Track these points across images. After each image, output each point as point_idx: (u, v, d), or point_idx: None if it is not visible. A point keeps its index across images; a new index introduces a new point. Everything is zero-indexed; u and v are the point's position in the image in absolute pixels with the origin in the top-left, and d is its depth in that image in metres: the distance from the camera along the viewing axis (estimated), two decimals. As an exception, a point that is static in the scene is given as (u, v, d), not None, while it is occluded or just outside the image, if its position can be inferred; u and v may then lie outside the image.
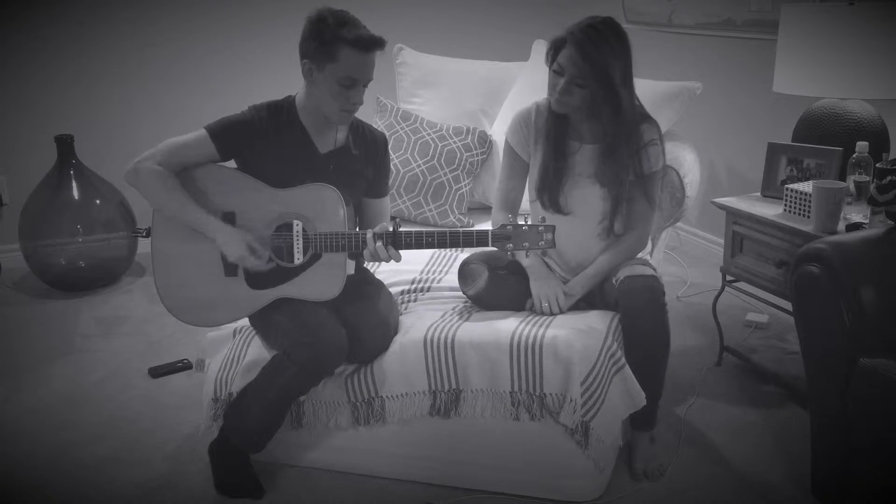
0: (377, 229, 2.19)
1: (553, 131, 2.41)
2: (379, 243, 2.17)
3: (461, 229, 2.21)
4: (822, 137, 2.83)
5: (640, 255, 2.51)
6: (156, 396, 2.86)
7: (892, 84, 2.69)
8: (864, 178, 2.65)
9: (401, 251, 2.19)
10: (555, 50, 2.30)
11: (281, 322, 2.25)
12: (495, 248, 2.22)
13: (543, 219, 2.22)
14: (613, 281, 2.36)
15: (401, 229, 2.18)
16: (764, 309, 3.25)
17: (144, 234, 2.34)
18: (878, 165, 2.52)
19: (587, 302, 2.45)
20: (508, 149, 2.52)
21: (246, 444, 2.30)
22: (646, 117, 2.40)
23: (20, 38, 3.98)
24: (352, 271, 2.31)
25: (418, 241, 2.19)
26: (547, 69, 2.33)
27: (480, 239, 2.19)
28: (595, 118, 2.35)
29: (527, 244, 2.18)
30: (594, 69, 2.23)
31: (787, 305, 2.39)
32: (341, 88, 2.18)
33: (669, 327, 2.30)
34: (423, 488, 2.34)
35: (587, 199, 2.41)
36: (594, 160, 2.39)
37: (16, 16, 3.95)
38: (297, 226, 2.24)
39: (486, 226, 2.38)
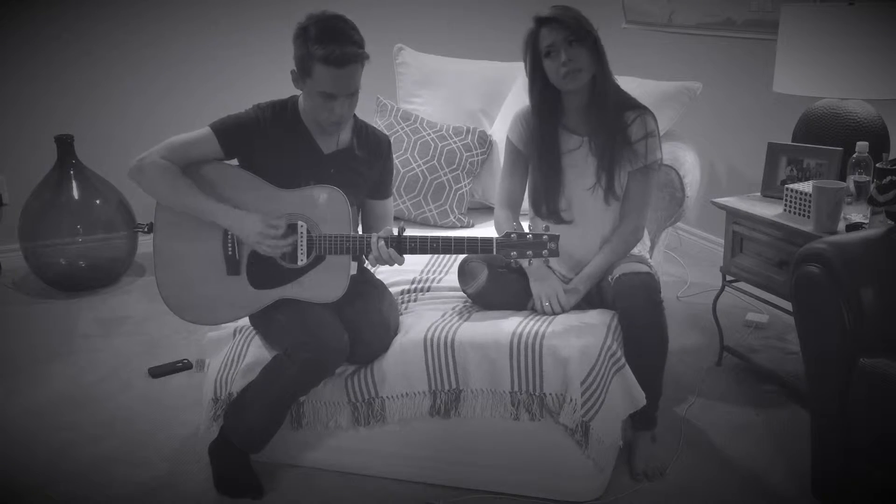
0: (382, 233, 2.19)
1: (545, 120, 2.40)
2: (384, 247, 2.17)
3: (466, 236, 2.21)
4: (822, 137, 2.83)
5: (639, 252, 2.52)
6: (156, 396, 2.86)
7: (892, 84, 2.69)
8: (864, 178, 2.65)
9: (404, 255, 2.20)
10: (533, 43, 2.32)
11: (282, 322, 2.25)
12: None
13: (547, 227, 2.22)
14: (609, 279, 2.36)
15: (405, 233, 2.18)
16: (764, 309, 3.25)
17: (146, 230, 2.33)
18: (878, 165, 2.52)
19: (586, 301, 2.45)
20: (510, 145, 2.52)
21: (246, 444, 2.30)
22: (641, 108, 2.39)
23: (20, 38, 3.98)
24: (354, 272, 2.31)
25: (423, 247, 2.19)
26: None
27: (485, 246, 2.19)
28: (595, 85, 2.34)
29: (530, 252, 2.18)
30: (578, 20, 2.28)
31: (787, 305, 2.39)
32: (323, 101, 2.18)
33: (666, 324, 2.30)
34: (423, 488, 2.34)
35: (587, 205, 2.41)
36: (591, 151, 2.38)
37: (16, 16, 3.95)
38: (302, 227, 2.23)
39: (487, 225, 2.37)
